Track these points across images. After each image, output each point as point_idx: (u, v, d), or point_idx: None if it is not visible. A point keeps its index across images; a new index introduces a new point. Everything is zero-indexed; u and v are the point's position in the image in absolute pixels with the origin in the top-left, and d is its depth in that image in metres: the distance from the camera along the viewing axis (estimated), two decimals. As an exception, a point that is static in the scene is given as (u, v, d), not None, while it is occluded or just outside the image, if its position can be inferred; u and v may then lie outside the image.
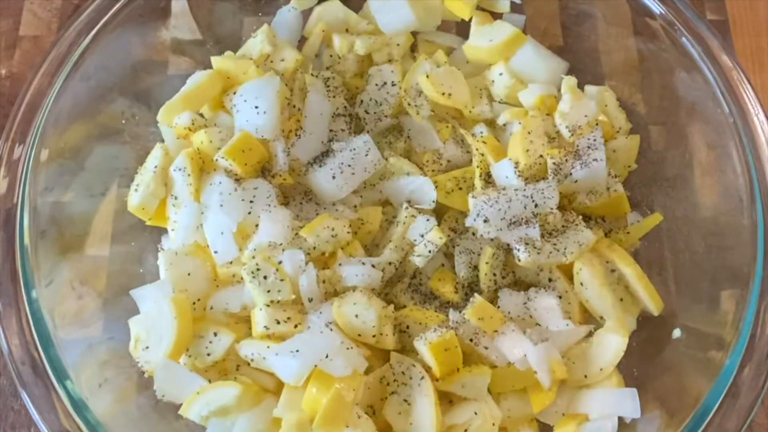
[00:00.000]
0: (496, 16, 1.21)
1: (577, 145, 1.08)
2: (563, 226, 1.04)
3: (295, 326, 0.96)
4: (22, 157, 0.99)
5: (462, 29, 1.22)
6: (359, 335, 0.96)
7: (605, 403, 0.97)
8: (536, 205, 1.03)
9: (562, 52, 1.19)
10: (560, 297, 1.02)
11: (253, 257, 0.99)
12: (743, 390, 0.90)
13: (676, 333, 1.02)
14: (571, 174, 1.06)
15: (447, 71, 1.14)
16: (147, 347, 0.98)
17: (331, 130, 1.12)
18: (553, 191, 1.03)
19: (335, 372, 0.91)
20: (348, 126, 1.14)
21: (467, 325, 0.98)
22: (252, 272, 0.97)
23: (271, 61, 1.15)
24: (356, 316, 0.96)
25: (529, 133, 1.08)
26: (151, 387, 0.97)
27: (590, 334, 1.02)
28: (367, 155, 1.08)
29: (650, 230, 1.09)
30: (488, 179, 1.08)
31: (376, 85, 1.15)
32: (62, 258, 1.01)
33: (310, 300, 0.98)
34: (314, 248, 1.02)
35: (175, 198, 1.06)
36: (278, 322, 0.96)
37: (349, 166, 1.07)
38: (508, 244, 1.03)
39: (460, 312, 0.99)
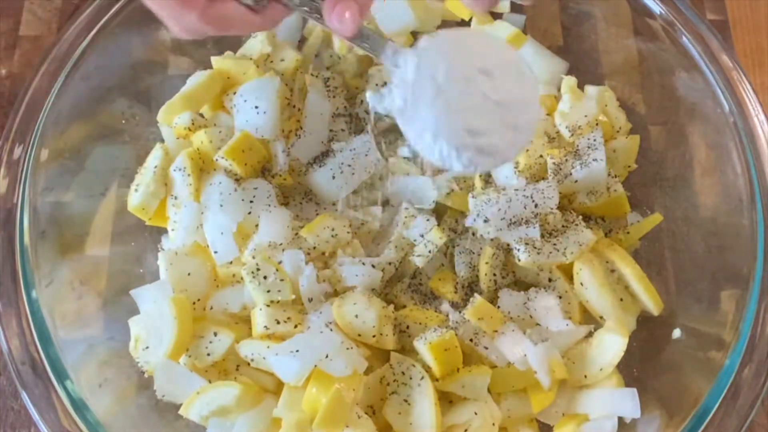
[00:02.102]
0: (496, 16, 1.21)
1: (577, 145, 1.08)
2: (563, 226, 1.04)
3: (295, 326, 0.96)
4: (22, 157, 0.99)
5: (462, 29, 1.22)
6: (359, 335, 0.96)
7: (605, 403, 0.97)
8: (536, 205, 1.03)
9: (562, 52, 1.19)
10: (560, 297, 1.02)
11: (253, 257, 0.99)
12: (743, 390, 0.90)
13: (676, 333, 1.02)
14: (571, 174, 1.06)
15: (447, 71, 1.14)
16: (147, 347, 0.98)
17: (331, 130, 1.12)
18: (553, 191, 1.03)
19: (335, 372, 0.91)
20: (348, 126, 1.14)
21: (467, 325, 0.98)
22: (252, 272, 0.97)
23: (271, 61, 1.15)
24: (356, 316, 0.96)
25: (529, 133, 1.08)
26: (151, 387, 0.97)
27: (590, 334, 1.02)
28: (367, 155, 1.08)
29: (650, 230, 1.09)
30: (488, 179, 1.08)
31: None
32: (62, 258, 1.01)
33: (310, 300, 0.98)
34: (314, 248, 1.02)
35: (175, 198, 1.06)
36: (278, 322, 0.96)
37: (349, 166, 1.07)
38: (508, 244, 1.03)
39: (460, 312, 0.99)
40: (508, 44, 0.94)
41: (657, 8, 1.09)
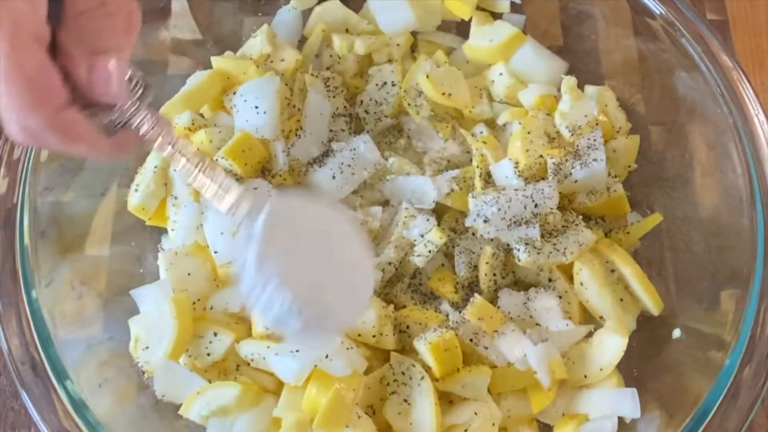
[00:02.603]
0: (496, 16, 1.21)
1: (577, 145, 1.08)
2: (563, 226, 1.04)
3: (295, 326, 0.96)
4: (22, 157, 0.99)
5: (462, 29, 1.21)
6: (359, 335, 0.96)
7: (605, 403, 0.97)
8: (536, 205, 1.02)
9: (562, 52, 1.19)
10: (560, 297, 1.02)
11: (253, 257, 0.99)
12: (743, 390, 0.90)
13: (676, 333, 1.02)
14: (571, 174, 1.06)
15: (447, 71, 1.14)
16: (147, 347, 0.98)
17: (331, 130, 1.12)
18: (553, 191, 1.03)
19: (335, 372, 0.91)
20: (348, 126, 1.14)
21: (467, 325, 0.98)
22: (252, 272, 0.97)
23: (271, 61, 1.14)
24: (356, 316, 0.96)
25: (529, 133, 1.08)
26: (151, 387, 0.97)
27: (590, 334, 1.02)
28: (367, 155, 1.08)
29: (650, 230, 1.09)
30: (488, 179, 1.08)
31: (376, 85, 1.15)
32: (62, 258, 1.01)
33: (310, 300, 0.98)
34: (314, 248, 1.02)
35: (175, 198, 1.06)
36: (278, 322, 0.96)
37: (349, 166, 1.07)
38: (508, 244, 1.03)
39: (460, 312, 0.99)
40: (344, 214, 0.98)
41: (657, 8, 1.09)
